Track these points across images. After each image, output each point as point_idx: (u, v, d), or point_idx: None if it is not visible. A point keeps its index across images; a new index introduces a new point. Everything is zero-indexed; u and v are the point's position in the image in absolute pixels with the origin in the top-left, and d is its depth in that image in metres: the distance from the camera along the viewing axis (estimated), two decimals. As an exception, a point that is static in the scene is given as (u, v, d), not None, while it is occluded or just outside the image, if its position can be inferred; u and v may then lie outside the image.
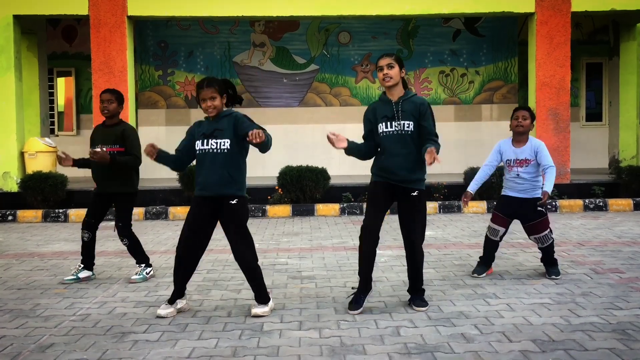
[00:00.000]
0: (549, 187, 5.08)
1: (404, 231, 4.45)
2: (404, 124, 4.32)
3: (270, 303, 4.41)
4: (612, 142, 12.24)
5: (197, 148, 4.33)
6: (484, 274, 5.41)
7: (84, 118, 13.32)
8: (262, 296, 4.37)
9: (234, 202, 4.27)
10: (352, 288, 4.67)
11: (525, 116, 5.23)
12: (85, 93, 13.29)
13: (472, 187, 5.40)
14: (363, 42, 13.17)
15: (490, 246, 5.43)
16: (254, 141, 4.06)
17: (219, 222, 4.38)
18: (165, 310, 4.33)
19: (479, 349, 3.58)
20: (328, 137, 4.33)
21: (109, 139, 5.37)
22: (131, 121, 10.44)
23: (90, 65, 10.75)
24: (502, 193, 5.44)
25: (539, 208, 5.23)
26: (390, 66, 4.34)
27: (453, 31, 13.19)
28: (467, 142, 12.89)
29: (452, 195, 10.48)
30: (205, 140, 4.27)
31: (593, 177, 11.17)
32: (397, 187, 4.38)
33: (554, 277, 5.25)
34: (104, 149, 5.28)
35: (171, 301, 4.39)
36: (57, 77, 13.52)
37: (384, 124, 4.36)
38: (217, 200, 4.28)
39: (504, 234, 5.41)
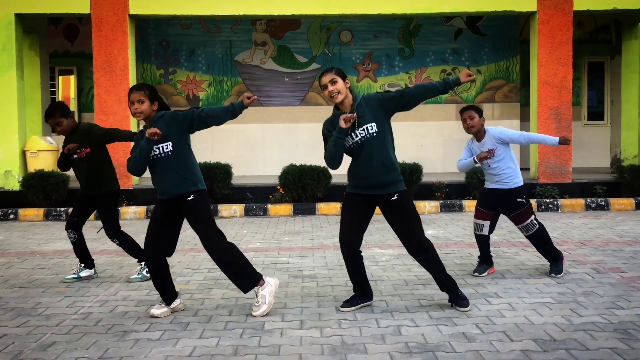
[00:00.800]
0: (553, 139, 5.19)
1: (401, 237, 4.33)
2: (367, 128, 4.17)
3: (266, 294, 4.30)
4: (614, 142, 12.22)
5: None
6: (485, 273, 5.42)
7: (86, 117, 13.31)
8: (246, 281, 4.30)
9: (191, 198, 4.26)
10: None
11: (472, 115, 5.22)
12: (87, 92, 13.29)
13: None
14: (365, 41, 13.16)
15: (480, 241, 5.45)
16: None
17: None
18: (159, 310, 4.32)
19: (480, 348, 3.58)
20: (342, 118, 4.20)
21: (79, 143, 5.33)
22: (132, 120, 10.44)
23: (91, 63, 10.76)
24: (485, 186, 5.49)
25: (519, 199, 5.26)
26: (333, 82, 4.18)
27: (455, 30, 13.17)
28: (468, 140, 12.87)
29: (453, 195, 10.47)
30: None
31: (595, 177, 11.16)
32: (375, 197, 4.27)
33: (553, 275, 5.24)
34: (79, 150, 5.32)
35: (166, 302, 4.38)
36: (58, 76, 13.52)
37: (349, 137, 4.20)
38: (176, 200, 4.28)
39: (492, 228, 5.42)
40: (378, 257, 6.27)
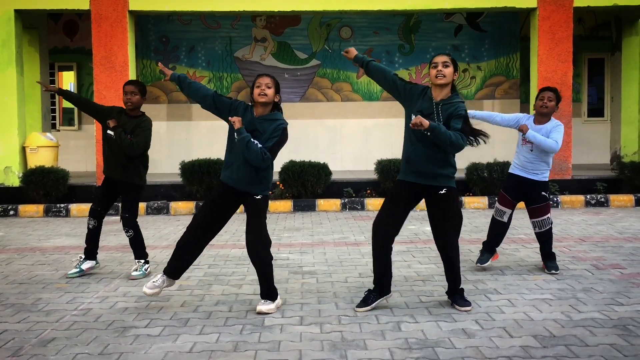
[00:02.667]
0: (533, 133, 5.09)
1: (434, 231, 4.34)
2: (440, 123, 4.09)
3: (279, 301, 4.39)
4: (614, 138, 12.22)
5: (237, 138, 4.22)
6: (489, 262, 5.41)
7: (86, 113, 13.30)
8: (271, 291, 4.36)
9: (259, 197, 4.32)
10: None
11: (551, 97, 5.21)
12: (87, 88, 13.28)
13: (474, 113, 5.31)
14: (365, 38, 13.14)
15: (497, 229, 5.43)
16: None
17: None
18: (152, 290, 4.32)
19: (479, 344, 3.59)
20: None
21: (127, 127, 5.32)
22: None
23: (91, 60, 10.74)
24: (510, 171, 5.43)
25: (543, 193, 5.26)
26: (445, 64, 4.16)
27: (455, 26, 13.16)
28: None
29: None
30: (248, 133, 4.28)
31: (595, 173, 11.15)
32: (422, 187, 4.23)
33: (553, 272, 5.26)
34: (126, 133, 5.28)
35: (170, 274, 4.38)
36: (58, 72, 13.51)
37: (414, 117, 4.09)
38: (241, 194, 4.34)
39: (510, 217, 5.41)
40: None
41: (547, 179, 5.31)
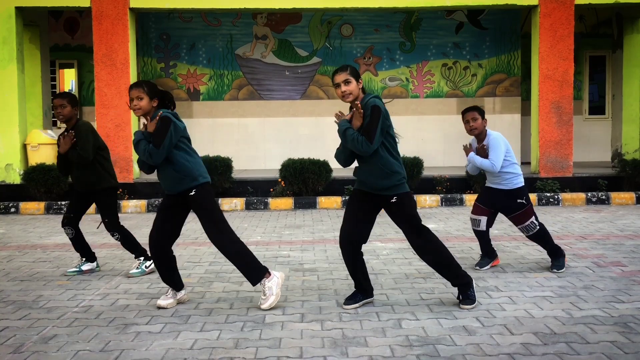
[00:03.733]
0: (472, 156, 5.18)
1: (407, 238, 4.32)
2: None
3: (273, 285, 4.32)
4: (615, 136, 12.20)
5: None
6: (488, 266, 5.42)
7: (87, 110, 13.31)
8: (254, 272, 4.34)
9: (193, 193, 4.29)
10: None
11: (475, 117, 5.20)
12: (88, 85, 13.28)
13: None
14: (365, 35, 13.13)
15: (479, 237, 5.46)
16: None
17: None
18: (165, 301, 4.37)
19: (480, 341, 3.59)
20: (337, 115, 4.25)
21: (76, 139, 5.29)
22: (133, 114, 10.42)
23: (92, 57, 10.74)
24: (485, 184, 5.49)
25: (519, 200, 5.24)
26: (347, 82, 4.12)
27: (456, 24, 13.14)
28: (469, 136, 12.84)
29: (454, 189, 10.47)
30: None
31: (596, 171, 11.15)
32: (375, 197, 4.25)
33: (555, 270, 5.24)
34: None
35: (176, 289, 4.44)
36: (59, 70, 13.50)
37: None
38: (180, 195, 4.34)
39: (490, 223, 5.42)
40: (379, 251, 6.27)
41: (519, 185, 5.26)
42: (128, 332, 3.86)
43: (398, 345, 3.54)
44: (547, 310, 4.17)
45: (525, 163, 12.41)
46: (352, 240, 4.31)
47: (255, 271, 4.34)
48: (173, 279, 4.44)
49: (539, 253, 6.00)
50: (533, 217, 5.26)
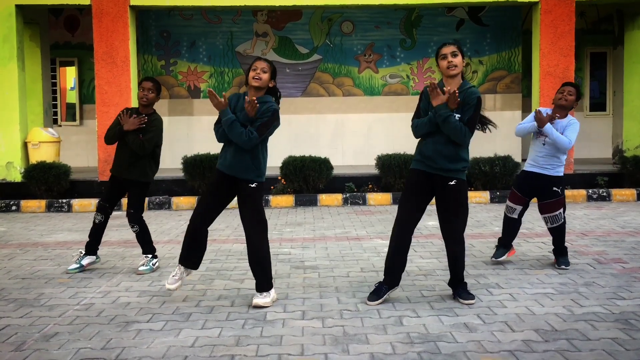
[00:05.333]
0: (550, 127, 5.07)
1: (441, 221, 4.36)
2: (455, 115, 4.14)
3: (273, 292, 4.41)
4: (616, 132, 12.19)
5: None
6: (504, 256, 5.41)
7: (87, 108, 13.32)
8: (266, 282, 4.37)
9: (254, 185, 4.30)
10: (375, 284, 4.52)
11: (571, 92, 5.20)
12: (88, 83, 13.28)
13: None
14: (366, 32, 13.11)
15: (508, 224, 5.43)
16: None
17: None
18: (174, 284, 4.40)
19: (481, 338, 3.59)
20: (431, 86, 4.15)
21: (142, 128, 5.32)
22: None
23: (92, 55, 10.74)
24: (524, 168, 5.42)
25: (555, 188, 5.23)
26: (454, 54, 4.17)
27: (456, 21, 13.12)
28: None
29: (455, 186, 10.45)
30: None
31: (597, 167, 11.14)
32: (435, 176, 4.27)
33: (563, 267, 5.23)
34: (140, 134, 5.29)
35: (188, 264, 4.44)
36: (59, 67, 13.50)
37: (433, 112, 4.18)
38: (235, 180, 4.33)
39: (522, 212, 5.40)
40: (380, 248, 6.27)
41: (560, 174, 5.26)
42: (129, 329, 3.86)
43: (399, 343, 3.54)
44: (548, 307, 4.17)
45: (526, 160, 12.38)
46: (410, 223, 4.30)
47: (267, 281, 4.36)
48: (198, 256, 4.43)
49: (539, 250, 6.00)
50: (562, 209, 5.28)
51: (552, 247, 5.44)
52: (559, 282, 4.83)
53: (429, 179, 4.30)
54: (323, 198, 9.85)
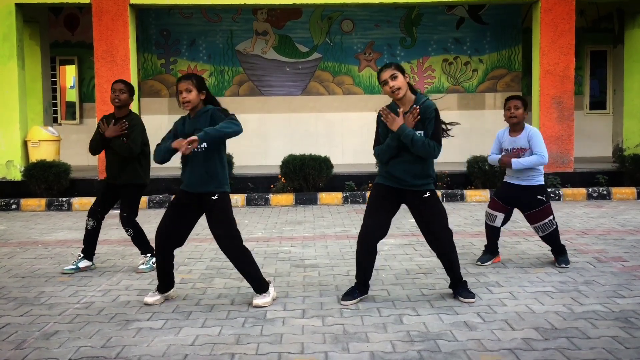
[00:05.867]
0: (517, 162, 5.03)
1: (425, 234, 4.33)
2: (418, 133, 4.12)
3: (272, 291, 4.40)
4: (616, 131, 12.19)
5: None
6: (489, 262, 5.41)
7: (87, 107, 13.32)
8: (260, 284, 4.36)
9: (215, 197, 4.27)
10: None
11: (518, 105, 5.17)
12: (88, 82, 13.27)
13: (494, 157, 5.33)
14: (366, 31, 13.10)
15: (489, 232, 5.42)
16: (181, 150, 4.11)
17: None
18: (152, 297, 4.37)
19: (481, 336, 3.59)
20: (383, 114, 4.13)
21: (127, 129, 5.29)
22: (134, 109, 10.42)
23: (92, 53, 10.73)
24: (504, 179, 5.43)
25: (539, 197, 5.19)
26: (393, 77, 4.13)
27: (457, 19, 13.11)
28: (470, 131, 12.84)
29: (454, 184, 10.47)
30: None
31: (597, 166, 11.14)
32: (406, 192, 4.24)
33: (563, 265, 5.22)
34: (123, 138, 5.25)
35: (161, 291, 4.43)
36: (59, 66, 13.49)
37: (395, 136, 4.14)
38: (199, 196, 4.30)
39: (505, 221, 5.39)
40: (379, 247, 6.24)
41: (541, 183, 5.22)
42: (129, 328, 3.87)
43: (399, 341, 3.54)
44: (548, 305, 4.17)
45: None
46: (376, 235, 4.28)
47: (260, 283, 4.35)
48: (168, 280, 4.43)
49: (539, 249, 6.00)
50: (551, 216, 5.21)
51: (552, 250, 5.42)
52: (559, 280, 4.83)
53: (398, 194, 4.27)
54: (323, 197, 9.85)
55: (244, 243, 4.36)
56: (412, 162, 4.19)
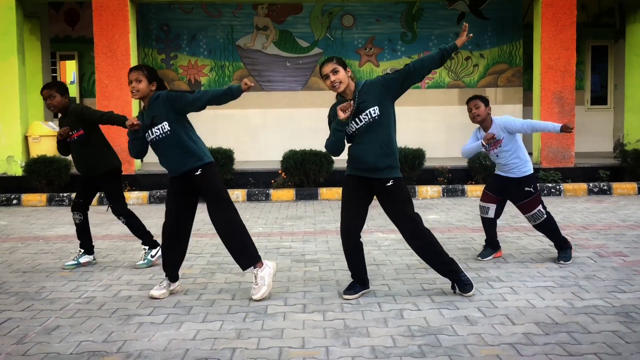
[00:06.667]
0: (555, 127, 5.09)
1: (397, 226, 4.30)
2: (369, 112, 4.10)
3: (265, 275, 4.34)
4: (617, 126, 12.18)
5: (147, 140, 4.40)
6: (490, 257, 5.42)
7: (88, 102, 13.29)
8: (245, 258, 4.35)
9: (198, 173, 4.32)
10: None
11: (477, 105, 5.20)
12: (88, 77, 13.26)
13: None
14: (367, 26, 13.08)
15: (485, 225, 5.45)
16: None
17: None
18: (158, 291, 4.40)
19: (482, 331, 3.60)
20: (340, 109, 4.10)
21: (70, 126, 5.29)
22: (134, 105, 10.43)
23: (93, 48, 10.72)
24: (495, 172, 5.49)
25: (527, 188, 5.23)
26: (335, 71, 4.12)
27: (457, 14, 13.08)
28: (471, 126, 12.79)
29: (455, 179, 10.47)
30: (150, 131, 4.33)
31: (597, 161, 11.14)
32: (371, 180, 4.22)
33: (562, 262, 5.21)
34: (71, 133, 5.27)
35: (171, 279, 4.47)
36: (60, 61, 13.48)
37: (352, 123, 4.13)
38: (185, 176, 4.34)
39: (498, 212, 5.41)
40: (380, 242, 6.28)
41: (528, 173, 5.24)
42: (131, 322, 3.87)
43: (400, 336, 3.55)
44: (548, 300, 4.18)
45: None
46: (354, 230, 4.29)
47: (245, 256, 4.34)
48: (176, 269, 4.48)
49: (540, 244, 6.00)
50: (540, 205, 5.25)
51: (554, 244, 5.42)
52: (559, 275, 4.84)
53: (367, 184, 4.26)
54: (324, 192, 9.85)
55: (236, 214, 4.37)
56: (373, 143, 4.14)
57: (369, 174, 4.21)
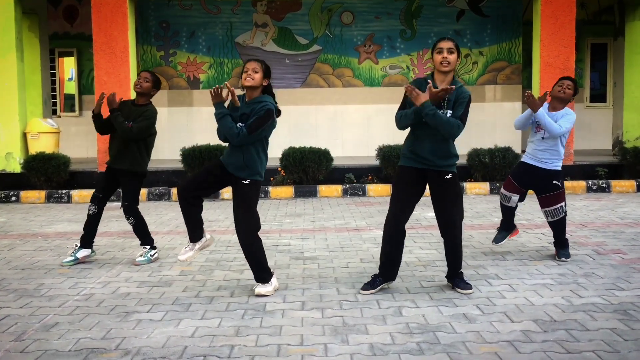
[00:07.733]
0: (541, 112, 5.05)
1: (438, 215, 4.35)
2: (446, 113, 4.15)
3: (274, 281, 4.42)
4: (616, 124, 12.17)
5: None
6: (505, 240, 5.43)
7: (87, 99, 13.29)
8: (264, 274, 4.41)
9: (247, 182, 4.37)
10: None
11: (570, 86, 5.21)
12: (87, 74, 13.24)
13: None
14: (366, 23, 13.07)
15: (504, 211, 5.44)
16: None
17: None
18: (185, 255, 4.46)
19: (480, 328, 3.60)
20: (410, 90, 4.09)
21: (132, 115, 5.32)
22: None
23: (91, 45, 10.70)
24: (522, 159, 5.42)
25: (555, 181, 5.21)
26: (450, 51, 4.16)
27: (457, 11, 13.07)
28: (470, 124, 12.68)
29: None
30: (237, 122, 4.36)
31: (596, 159, 11.14)
32: (428, 171, 4.27)
33: (563, 259, 5.22)
34: (127, 122, 5.28)
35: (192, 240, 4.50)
36: (58, 58, 13.46)
37: (419, 109, 4.12)
38: (232, 174, 4.39)
39: (519, 200, 5.40)
40: (379, 240, 6.26)
41: (558, 168, 5.26)
42: (129, 320, 3.87)
43: (398, 333, 3.55)
44: (547, 297, 4.18)
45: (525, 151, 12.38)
46: (403, 219, 4.32)
47: (265, 273, 4.39)
48: (198, 228, 4.49)
49: (539, 241, 6.01)
50: (563, 202, 5.25)
51: (553, 239, 5.43)
52: (558, 272, 4.84)
53: (422, 175, 4.30)
54: (323, 189, 9.85)
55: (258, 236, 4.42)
56: (439, 142, 4.20)
57: (430, 167, 4.24)
